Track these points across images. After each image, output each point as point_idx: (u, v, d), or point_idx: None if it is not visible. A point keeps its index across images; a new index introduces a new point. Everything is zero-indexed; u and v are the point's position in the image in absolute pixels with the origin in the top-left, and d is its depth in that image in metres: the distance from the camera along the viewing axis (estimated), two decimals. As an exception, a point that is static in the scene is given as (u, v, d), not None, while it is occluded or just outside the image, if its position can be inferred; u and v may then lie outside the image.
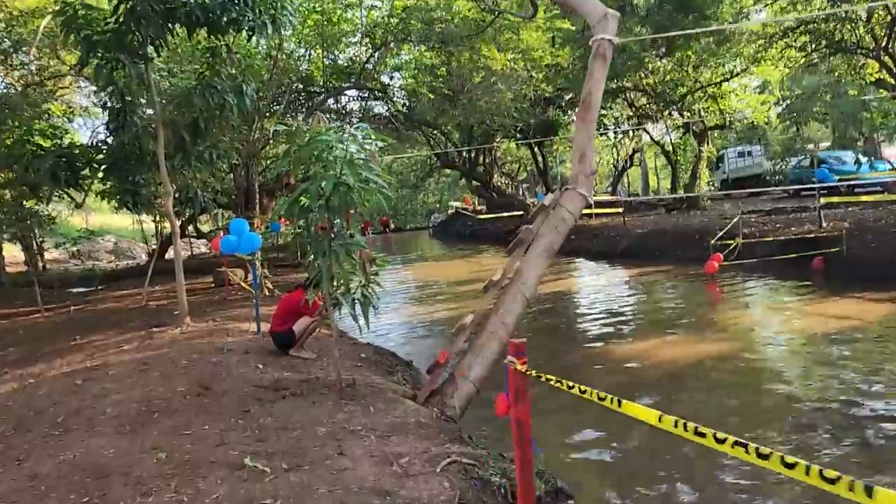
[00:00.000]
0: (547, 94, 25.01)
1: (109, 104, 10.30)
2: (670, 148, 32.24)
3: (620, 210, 21.55)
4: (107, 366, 7.33)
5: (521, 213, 27.33)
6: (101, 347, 8.59)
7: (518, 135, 25.12)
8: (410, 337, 10.77)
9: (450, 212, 48.35)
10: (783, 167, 31.63)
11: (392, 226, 60.48)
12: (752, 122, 26.99)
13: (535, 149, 33.55)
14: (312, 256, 5.78)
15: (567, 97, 28.63)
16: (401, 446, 4.63)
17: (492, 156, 27.24)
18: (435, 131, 25.77)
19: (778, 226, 16.03)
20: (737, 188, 33.37)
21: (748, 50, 21.67)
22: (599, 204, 24.75)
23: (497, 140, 26.17)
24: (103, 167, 10.73)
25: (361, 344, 8.66)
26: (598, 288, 14.16)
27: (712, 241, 13.93)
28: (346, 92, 23.22)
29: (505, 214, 29.67)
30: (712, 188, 29.18)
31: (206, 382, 6.25)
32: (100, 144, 10.99)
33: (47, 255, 24.74)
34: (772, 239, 14.58)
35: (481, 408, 5.90)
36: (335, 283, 5.79)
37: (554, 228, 6.37)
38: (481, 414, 6.07)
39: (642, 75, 26.37)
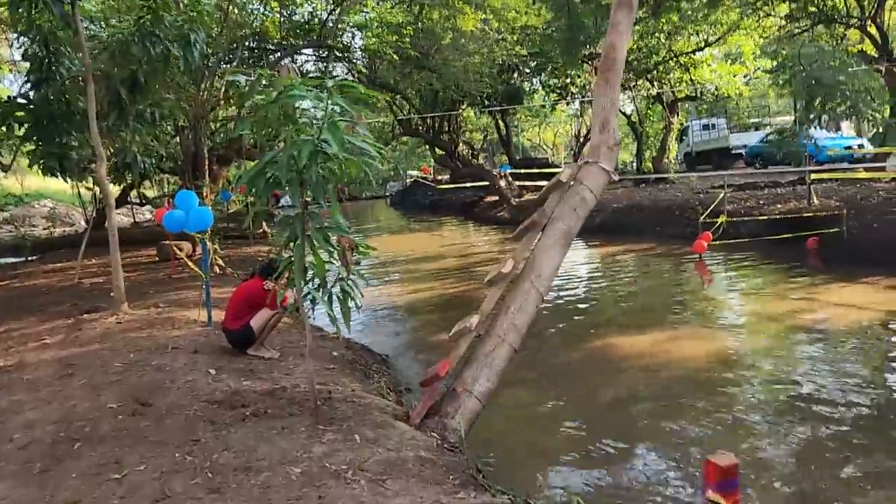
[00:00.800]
0: (515, 60, 23.81)
1: (30, 52, 8.79)
2: (637, 119, 31.51)
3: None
4: (23, 367, 6.03)
5: (487, 183, 26.26)
6: (19, 339, 7.25)
7: (486, 102, 23.92)
8: (375, 323, 9.63)
9: (408, 181, 47.01)
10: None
11: (346, 194, 58.87)
12: (723, 93, 26.38)
13: (500, 118, 32.41)
14: (281, 240, 4.59)
15: (533, 64, 27.47)
16: (401, 497, 3.54)
17: (457, 123, 26.02)
18: (398, 96, 24.36)
19: (761, 202, 15.34)
20: (701, 161, 32.94)
21: (728, 17, 20.84)
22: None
23: (463, 107, 24.92)
24: (25, 126, 9.22)
25: (331, 337, 7.51)
26: (580, 268, 13.22)
27: (700, 219, 13.11)
28: (303, 51, 21.62)
29: (468, 185, 28.57)
30: (675, 161, 28.56)
31: (143, 396, 5.04)
32: (20, 99, 9.43)
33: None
34: (758, 217, 13.85)
35: (480, 424, 4.87)
36: (309, 277, 4.63)
37: (572, 210, 5.30)
38: (482, 433, 5.04)
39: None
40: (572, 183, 5.39)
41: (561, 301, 10.15)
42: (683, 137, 35.06)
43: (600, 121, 5.58)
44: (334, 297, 4.63)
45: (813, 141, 18.01)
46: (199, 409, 4.76)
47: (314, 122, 4.29)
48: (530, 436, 5.45)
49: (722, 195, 13.82)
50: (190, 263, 8.50)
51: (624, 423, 5.56)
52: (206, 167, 15.11)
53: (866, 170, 18.64)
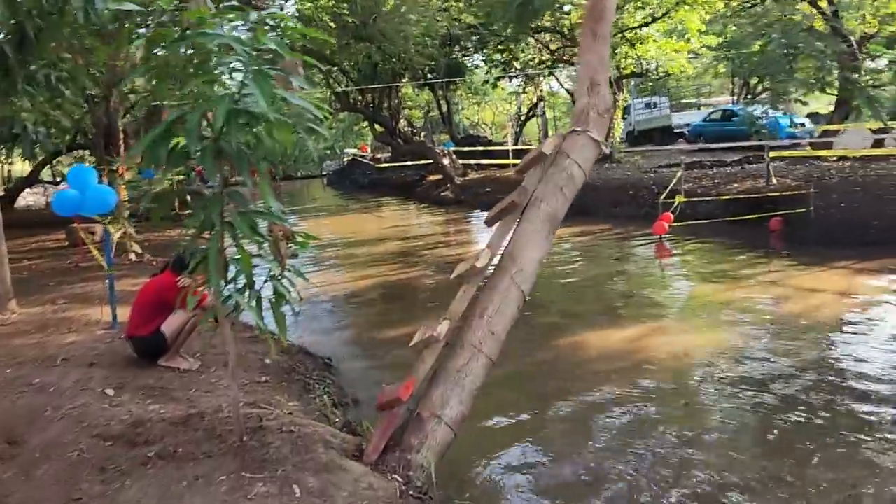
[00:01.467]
0: (459, 32, 22.72)
1: None
2: (580, 96, 30.83)
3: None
4: None
5: (429, 162, 25.21)
6: None
7: (429, 75, 22.79)
8: (313, 318, 8.52)
9: (345, 159, 45.45)
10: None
11: (282, 172, 56.69)
12: (668, 70, 25.99)
13: (440, 93, 31.29)
14: (193, 227, 3.50)
15: (475, 38, 26.43)
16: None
17: (398, 98, 24.82)
18: (334, 69, 22.97)
19: (717, 181, 14.82)
20: (643, 140, 32.69)
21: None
22: (520, 153, 23.00)
23: (404, 80, 23.72)
24: None
25: (263, 339, 6.40)
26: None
27: (660, 199, 12.43)
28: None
29: (409, 163, 27.44)
30: (620, 140, 28.06)
31: (16, 430, 3.90)
32: None
33: None
34: (716, 197, 13.29)
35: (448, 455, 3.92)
36: (232, 274, 3.56)
37: (558, 189, 4.35)
38: (451, 465, 4.09)
39: (559, 15, 24.61)
40: (556, 156, 4.45)
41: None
42: (625, 116, 34.75)
43: (588, 81, 4.64)
44: (264, 301, 3.58)
45: (775, 118, 17.68)
46: (86, 448, 3.65)
47: (235, 70, 3.22)
48: (515, 465, 4.52)
49: (679, 174, 13.18)
50: (95, 252, 7.23)
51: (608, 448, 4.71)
52: (122, 141, 13.56)
53: (813, 146, 18.51)
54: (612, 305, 8.24)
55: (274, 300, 3.62)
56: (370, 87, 21.88)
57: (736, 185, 14.08)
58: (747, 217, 11.72)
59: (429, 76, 22.60)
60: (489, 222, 4.46)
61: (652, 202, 14.44)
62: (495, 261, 4.26)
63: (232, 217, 3.34)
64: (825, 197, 10.95)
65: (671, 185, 12.79)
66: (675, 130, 30.64)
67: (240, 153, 3.22)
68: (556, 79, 30.84)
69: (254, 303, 3.53)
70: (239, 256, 3.40)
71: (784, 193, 11.40)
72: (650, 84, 36.79)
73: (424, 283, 10.23)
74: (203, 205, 3.39)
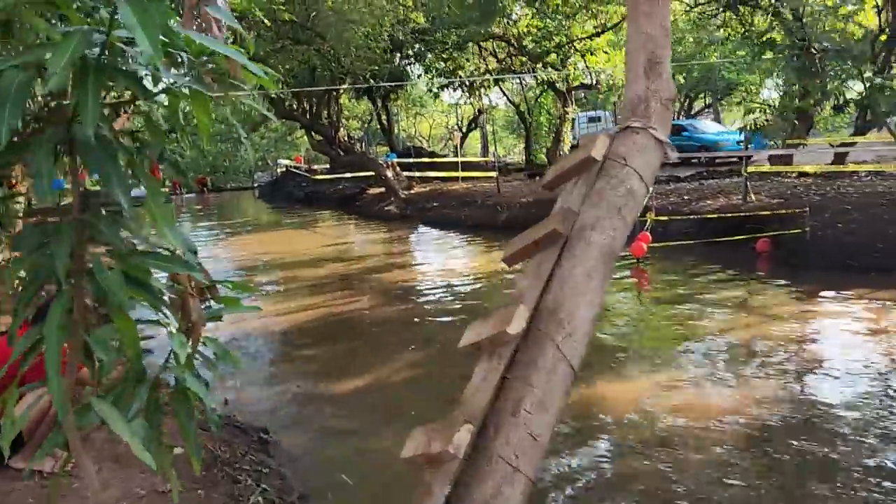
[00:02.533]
0: (402, 38, 21.33)
1: None
2: (525, 108, 30.03)
3: (493, 174, 18.60)
4: None
5: (370, 174, 23.66)
6: None
7: (372, 80, 21.28)
8: (243, 366, 6.92)
9: (279, 170, 43.37)
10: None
11: (210, 185, 54.18)
12: (618, 83, 25.28)
13: (380, 103, 29.82)
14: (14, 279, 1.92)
15: (418, 44, 25.12)
16: None
17: (337, 106, 23.20)
18: (269, 72, 21.20)
19: (687, 198, 13.84)
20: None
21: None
22: (468, 165, 21.74)
23: (345, 86, 22.12)
24: None
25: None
26: (491, 278, 10.94)
27: (639, 217, 11.25)
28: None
29: (349, 175, 25.81)
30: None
31: None
32: None
33: None
34: (690, 215, 12.25)
35: None
36: (99, 360, 1.99)
37: (616, 212, 2.89)
38: None
39: (507, 23, 23.59)
40: (606, 163, 3.04)
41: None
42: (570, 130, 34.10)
43: (644, 59, 3.25)
44: (158, 409, 2.04)
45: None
46: None
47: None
48: None
49: (649, 190, 12.06)
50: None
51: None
52: None
53: (770, 162, 17.88)
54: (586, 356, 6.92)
55: (182, 399, 2.09)
56: (309, 90, 20.19)
57: (709, 202, 13.11)
58: (729, 238, 10.65)
59: (372, 82, 21.09)
60: (510, 261, 3.00)
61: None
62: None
63: (94, 264, 1.80)
64: (817, 216, 9.98)
65: (647, 202, 11.65)
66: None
67: (104, 144, 1.69)
68: (502, 89, 29.77)
69: (139, 411, 2.00)
70: (121, 335, 1.87)
71: (775, 213, 10.37)
72: (595, 97, 36.37)
73: (373, 314, 8.71)
74: (39, 240, 1.82)
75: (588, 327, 2.73)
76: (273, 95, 22.74)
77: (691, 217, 11.94)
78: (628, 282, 9.92)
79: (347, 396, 5.77)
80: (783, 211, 10.28)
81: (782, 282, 8.93)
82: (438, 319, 8.26)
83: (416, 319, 8.30)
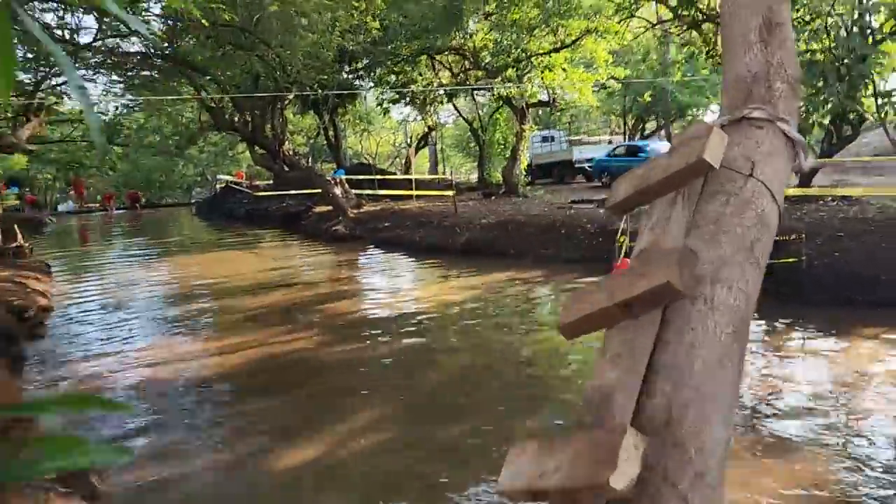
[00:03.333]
0: (352, 46, 20.10)
1: None
2: (479, 125, 29.14)
3: (451, 193, 17.45)
4: None
5: (316, 191, 22.24)
6: None
7: (319, 91, 19.95)
8: (156, 427, 5.53)
9: (218, 186, 41.40)
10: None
11: (143, 201, 51.57)
12: (576, 101, 24.63)
13: (328, 117, 28.49)
14: None
15: (368, 56, 23.96)
16: None
17: (282, 118, 21.74)
18: (207, 80, 19.66)
19: (659, 221, 12.95)
20: (541, 175, 31.31)
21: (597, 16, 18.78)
22: (421, 184, 20.56)
23: (290, 97, 20.71)
24: None
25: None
26: (457, 309, 9.67)
27: (619, 241, 10.26)
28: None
29: (293, 192, 24.30)
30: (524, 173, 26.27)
31: None
32: None
33: None
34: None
35: None
36: None
37: (746, 251, 1.79)
38: None
39: (461, 37, 22.67)
40: (720, 174, 1.90)
41: (440, 380, 6.65)
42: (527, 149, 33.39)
43: (757, 19, 2.14)
44: None
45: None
46: None
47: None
48: None
49: (625, 215, 11.08)
50: None
51: None
52: None
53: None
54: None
55: None
56: (253, 95, 18.71)
57: (684, 225, 12.24)
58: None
59: (320, 91, 19.76)
60: (571, 330, 1.80)
61: (590, 243, 12.37)
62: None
63: None
64: (810, 243, 9.13)
65: (623, 223, 10.67)
66: (577, 165, 29.41)
67: None
68: (455, 105, 28.81)
69: None
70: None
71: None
72: (549, 116, 35.79)
73: (321, 355, 7.37)
74: None
75: (723, 454, 1.52)
76: (212, 105, 21.23)
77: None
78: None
79: (292, 472, 4.46)
80: (777, 238, 9.39)
81: (783, 320, 7.98)
82: (396, 359, 7.01)
83: (369, 360, 7.03)
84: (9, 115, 17.51)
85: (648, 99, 28.67)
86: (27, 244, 18.18)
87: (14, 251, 17.03)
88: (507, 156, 25.35)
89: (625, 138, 35.65)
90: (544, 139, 33.15)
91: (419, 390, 6.05)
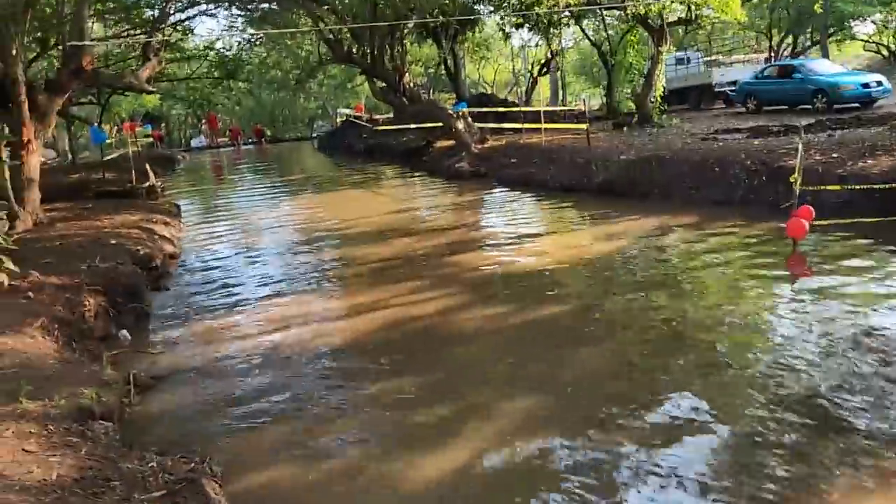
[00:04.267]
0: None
1: None
2: (608, 48, 27.00)
3: (583, 125, 16.02)
4: None
5: (437, 125, 21.34)
6: None
7: (439, 17, 18.80)
8: (265, 408, 4.94)
9: (338, 120, 41.39)
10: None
11: (267, 136, 52.77)
12: (720, 17, 22.05)
13: (448, 45, 27.24)
14: None
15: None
16: None
17: (402, 49, 20.82)
18: (326, 10, 18.95)
19: (834, 156, 11.11)
20: (675, 101, 28.79)
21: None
22: (547, 115, 19.20)
23: (408, 26, 19.73)
24: None
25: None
26: (622, 261, 8.53)
27: (793, 179, 8.72)
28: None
29: (413, 126, 23.53)
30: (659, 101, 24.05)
31: None
32: None
33: None
34: (849, 181, 9.59)
35: None
36: None
37: None
38: None
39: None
40: None
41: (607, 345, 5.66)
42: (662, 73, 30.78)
43: None
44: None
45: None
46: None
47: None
48: None
49: (799, 145, 9.39)
50: None
51: None
52: (24, 96, 9.73)
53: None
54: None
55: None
56: (370, 24, 17.83)
57: (869, 161, 10.40)
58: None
59: (440, 17, 18.59)
60: None
61: (750, 183, 10.82)
62: None
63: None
64: None
65: (798, 159, 9.03)
66: (718, 89, 26.73)
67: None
68: (582, 28, 26.78)
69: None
70: None
71: None
72: (684, 36, 32.80)
73: (455, 322, 6.50)
74: None
75: None
76: (331, 37, 20.59)
77: (851, 183, 9.31)
78: (784, 282, 7.43)
79: (447, 478, 3.71)
80: None
81: None
82: (542, 328, 6.10)
83: (511, 328, 6.16)
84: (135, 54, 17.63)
85: (819, 7, 24.77)
86: (159, 182, 18.54)
87: (146, 190, 17.36)
88: (635, 81, 23.30)
89: (771, 58, 32.17)
90: (678, 61, 30.37)
91: (577, 371, 5.14)
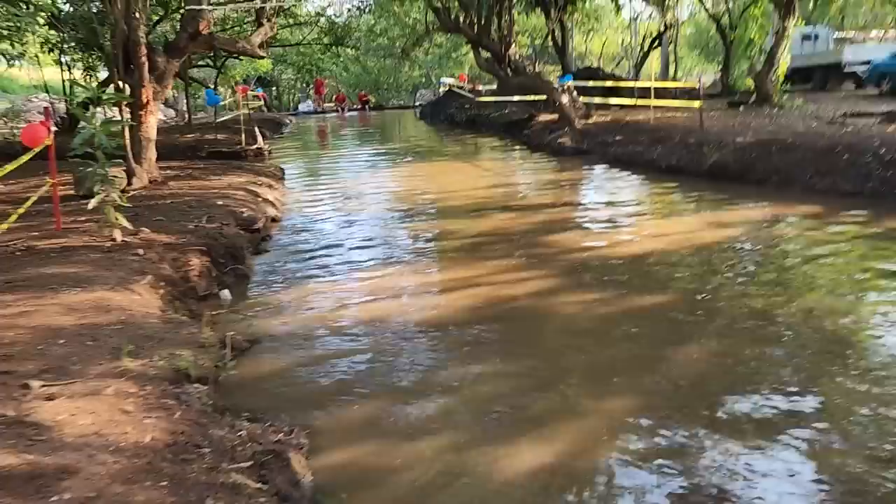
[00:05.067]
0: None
1: None
2: (728, 22, 25.57)
3: (696, 104, 15.17)
4: None
5: (540, 98, 20.88)
6: None
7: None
8: (365, 378, 4.90)
9: (441, 89, 41.32)
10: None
11: (372, 102, 53.47)
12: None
13: (556, 16, 26.51)
14: None
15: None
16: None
17: (510, 18, 20.39)
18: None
19: None
20: (798, 80, 26.91)
21: None
22: (658, 92, 18.38)
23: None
24: None
25: None
26: (735, 253, 8.02)
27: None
28: None
29: (515, 98, 23.14)
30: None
31: None
32: None
33: None
34: None
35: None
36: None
37: None
38: None
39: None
40: None
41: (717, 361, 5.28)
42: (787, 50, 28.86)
43: None
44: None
45: None
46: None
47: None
48: None
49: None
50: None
51: None
52: (144, 58, 10.11)
53: None
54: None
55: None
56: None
57: None
58: None
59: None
60: None
61: (883, 174, 9.96)
62: None
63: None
64: None
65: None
66: (847, 69, 24.83)
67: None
68: (700, 0, 25.41)
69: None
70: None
71: None
72: (811, 10, 30.61)
73: (555, 309, 6.24)
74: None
75: None
76: (438, 5, 20.40)
77: None
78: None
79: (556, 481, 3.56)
80: None
81: None
82: (647, 323, 5.79)
83: (612, 320, 5.88)
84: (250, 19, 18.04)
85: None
86: (266, 145, 19.09)
87: (254, 153, 17.91)
88: (754, 58, 21.89)
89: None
90: (804, 37, 28.38)
91: (681, 366, 4.83)
